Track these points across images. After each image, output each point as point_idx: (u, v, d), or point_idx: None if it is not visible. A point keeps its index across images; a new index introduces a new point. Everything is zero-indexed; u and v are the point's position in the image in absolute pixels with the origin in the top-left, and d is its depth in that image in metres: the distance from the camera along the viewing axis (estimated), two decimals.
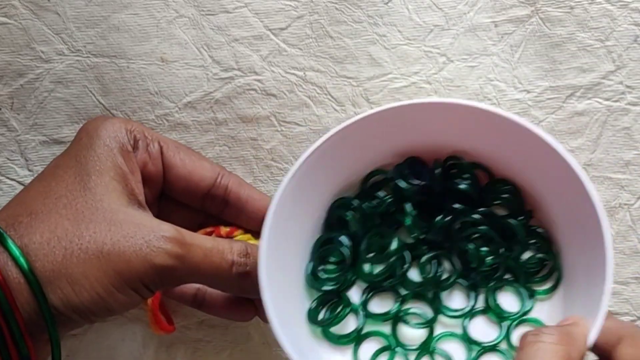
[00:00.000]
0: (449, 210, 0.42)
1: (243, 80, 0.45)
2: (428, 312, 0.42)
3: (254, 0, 0.45)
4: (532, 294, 0.42)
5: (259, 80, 0.45)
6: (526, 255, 0.42)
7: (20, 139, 0.45)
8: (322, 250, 0.42)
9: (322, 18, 0.45)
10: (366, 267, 0.42)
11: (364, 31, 0.45)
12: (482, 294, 0.42)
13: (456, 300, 0.42)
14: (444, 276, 0.42)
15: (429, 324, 0.42)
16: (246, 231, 0.43)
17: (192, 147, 0.45)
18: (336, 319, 0.41)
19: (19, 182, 0.46)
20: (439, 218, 0.42)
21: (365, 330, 0.42)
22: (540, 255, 0.42)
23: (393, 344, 0.42)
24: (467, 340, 0.42)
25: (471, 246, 0.41)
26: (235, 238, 0.42)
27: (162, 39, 0.45)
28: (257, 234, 0.42)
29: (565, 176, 0.37)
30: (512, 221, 0.42)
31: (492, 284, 0.42)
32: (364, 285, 0.43)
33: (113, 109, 0.45)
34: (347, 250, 0.42)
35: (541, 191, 0.41)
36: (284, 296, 0.39)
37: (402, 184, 0.42)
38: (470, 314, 0.42)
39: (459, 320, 0.42)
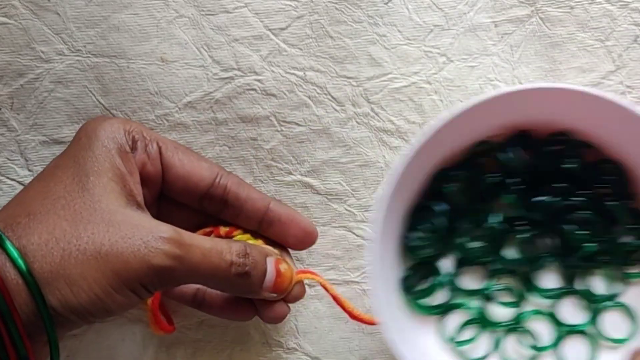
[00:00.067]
0: (552, 190, 0.41)
1: (243, 80, 0.45)
2: (519, 289, 0.42)
3: (254, 0, 0.44)
4: (625, 277, 0.42)
5: (259, 80, 0.45)
6: (626, 238, 0.42)
7: (20, 139, 0.45)
8: (418, 218, 0.42)
9: (322, 18, 0.44)
10: (461, 240, 0.42)
11: (364, 31, 0.45)
12: (575, 275, 0.42)
13: (547, 279, 0.43)
14: (540, 255, 0.42)
15: (519, 302, 0.42)
16: (245, 231, 0.42)
17: (192, 147, 0.45)
18: (427, 291, 0.42)
19: (19, 182, 0.45)
20: (542, 197, 0.41)
21: (453, 302, 0.43)
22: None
23: (481, 318, 0.42)
24: (555, 321, 0.42)
25: (572, 228, 0.41)
26: (235, 238, 0.42)
27: (162, 39, 0.44)
28: (256, 234, 0.42)
29: None
30: (614, 204, 0.41)
31: (586, 265, 0.42)
32: (457, 257, 0.43)
33: (113, 109, 0.45)
34: (443, 219, 0.41)
35: None
36: (383, 267, 0.40)
37: (508, 158, 0.41)
38: (561, 294, 0.42)
39: (548, 301, 0.42)
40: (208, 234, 0.42)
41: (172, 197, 0.41)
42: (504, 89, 0.38)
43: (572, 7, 0.44)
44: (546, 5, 0.44)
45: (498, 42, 0.45)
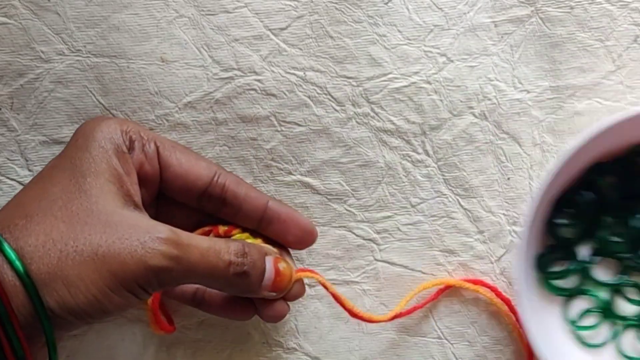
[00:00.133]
0: None
1: (243, 80, 0.44)
2: None
3: (254, 0, 0.44)
4: None
5: (259, 80, 0.44)
6: None
7: (20, 139, 0.45)
8: (565, 203, 0.43)
9: (322, 18, 0.44)
10: (603, 233, 0.44)
11: (364, 31, 0.44)
12: None
13: None
14: None
15: None
16: (244, 230, 0.42)
17: (192, 147, 0.45)
18: (562, 273, 0.44)
19: (19, 182, 0.45)
20: None
21: (582, 288, 0.44)
22: None
23: (605, 309, 0.44)
24: None
25: None
26: (234, 237, 0.42)
27: (162, 39, 0.44)
28: (255, 233, 0.42)
29: None
30: None
31: None
32: (595, 247, 0.44)
33: (113, 109, 0.45)
34: (589, 208, 0.43)
35: None
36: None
37: None
38: None
39: None
40: (207, 233, 0.42)
41: (170, 197, 0.41)
42: None
43: (572, 7, 0.44)
44: (546, 5, 0.44)
45: (498, 42, 0.44)
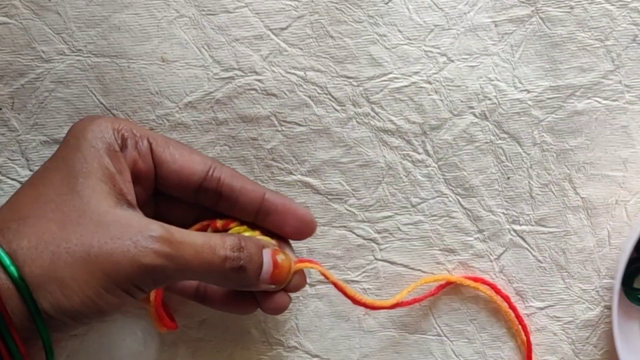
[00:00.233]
0: None
1: (243, 80, 0.44)
2: None
3: (254, 0, 0.44)
4: None
5: (259, 80, 0.44)
6: None
7: (21, 138, 0.44)
8: None
9: (323, 18, 0.44)
10: None
11: (365, 31, 0.44)
12: None
13: None
14: None
15: None
16: (242, 223, 0.41)
17: (192, 147, 0.44)
18: None
19: (20, 182, 0.44)
20: None
21: None
22: None
23: None
24: None
25: None
26: (232, 230, 0.41)
27: (163, 39, 0.44)
28: (253, 226, 0.41)
29: None
30: None
31: None
32: None
33: (114, 109, 0.44)
34: None
35: None
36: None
37: None
38: None
39: None
40: (205, 228, 0.41)
41: (167, 193, 0.40)
42: None
43: (572, 7, 0.44)
44: (546, 5, 0.44)
45: (498, 42, 0.44)
